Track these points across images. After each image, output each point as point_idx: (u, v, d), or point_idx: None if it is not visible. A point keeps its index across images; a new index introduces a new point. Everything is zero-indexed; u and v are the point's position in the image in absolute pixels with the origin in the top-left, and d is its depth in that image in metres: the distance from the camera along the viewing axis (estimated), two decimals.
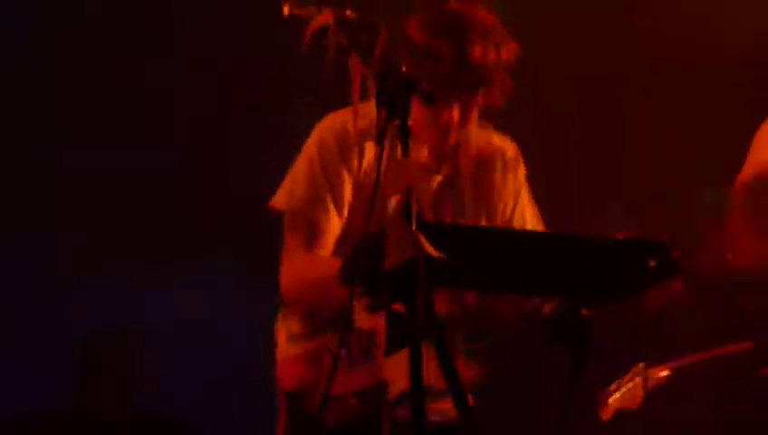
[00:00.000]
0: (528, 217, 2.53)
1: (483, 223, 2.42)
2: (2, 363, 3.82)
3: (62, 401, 3.88)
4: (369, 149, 2.31)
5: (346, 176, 2.34)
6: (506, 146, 2.53)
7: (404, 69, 1.86)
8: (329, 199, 2.33)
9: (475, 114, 2.36)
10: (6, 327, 3.80)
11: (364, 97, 1.86)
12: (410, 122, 1.82)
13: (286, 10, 1.94)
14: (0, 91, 3.86)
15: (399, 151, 1.84)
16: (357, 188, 2.35)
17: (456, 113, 2.29)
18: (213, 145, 3.85)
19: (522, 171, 2.54)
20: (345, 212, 2.34)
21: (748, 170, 2.76)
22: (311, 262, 2.31)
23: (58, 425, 3.84)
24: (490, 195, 2.48)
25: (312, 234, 2.32)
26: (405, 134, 1.84)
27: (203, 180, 3.89)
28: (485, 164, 2.48)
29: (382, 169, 1.82)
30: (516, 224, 2.48)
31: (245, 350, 3.69)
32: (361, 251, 1.93)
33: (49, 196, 3.82)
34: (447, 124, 2.32)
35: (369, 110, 1.87)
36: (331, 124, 2.40)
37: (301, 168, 2.39)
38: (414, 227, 1.77)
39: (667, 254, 1.92)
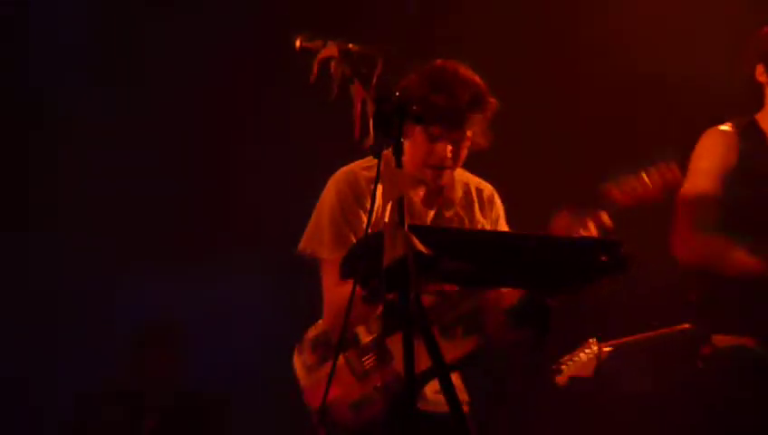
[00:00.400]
0: None
1: None
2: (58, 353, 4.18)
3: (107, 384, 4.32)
4: (378, 195, 2.68)
5: (363, 216, 2.72)
6: (483, 186, 2.95)
7: (397, 94, 2.21)
8: (352, 238, 2.70)
9: (464, 154, 2.75)
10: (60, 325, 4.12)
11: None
12: (408, 166, 2.17)
13: (298, 43, 2.26)
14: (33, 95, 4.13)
15: (394, 164, 2.19)
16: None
17: (449, 150, 2.68)
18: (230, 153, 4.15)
19: (498, 206, 2.96)
20: None
21: (687, 184, 3.07)
22: (342, 291, 2.59)
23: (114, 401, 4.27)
24: (473, 227, 2.87)
25: None
26: (398, 150, 2.18)
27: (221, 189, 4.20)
28: (468, 201, 2.90)
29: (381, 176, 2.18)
30: None
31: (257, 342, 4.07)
32: (359, 249, 2.28)
33: (83, 205, 4.12)
34: (442, 161, 2.70)
35: (375, 162, 2.21)
36: (344, 177, 2.79)
37: (324, 217, 2.77)
38: (406, 228, 2.11)
39: (616, 251, 2.29)
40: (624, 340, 3.60)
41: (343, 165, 2.84)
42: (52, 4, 4.14)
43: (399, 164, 2.19)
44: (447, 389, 2.22)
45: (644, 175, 2.73)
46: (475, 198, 2.91)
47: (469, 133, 2.73)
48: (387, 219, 2.21)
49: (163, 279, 4.12)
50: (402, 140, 2.19)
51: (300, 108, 3.46)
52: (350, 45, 2.24)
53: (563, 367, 3.53)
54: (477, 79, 2.74)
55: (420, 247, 2.10)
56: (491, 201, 2.94)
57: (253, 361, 4.17)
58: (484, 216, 2.90)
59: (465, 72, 2.74)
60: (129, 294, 4.19)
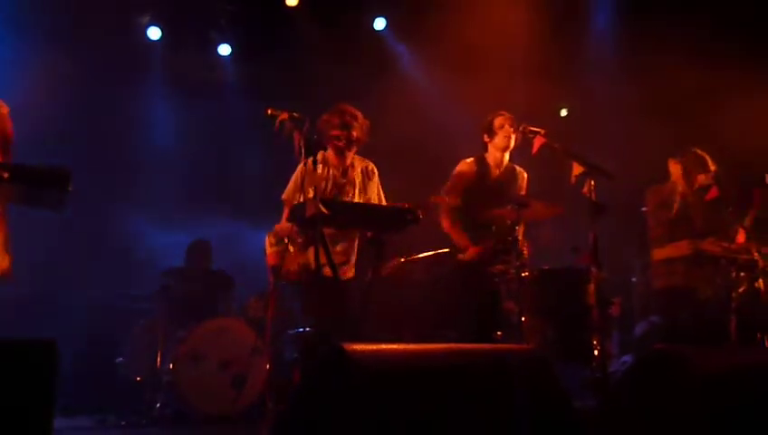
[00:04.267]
0: (376, 198, 5.53)
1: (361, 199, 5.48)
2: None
3: None
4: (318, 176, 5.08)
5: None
6: (369, 164, 5.54)
7: (316, 137, 4.75)
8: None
9: (353, 145, 5.38)
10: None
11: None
12: (326, 158, 5.02)
13: (268, 111, 4.75)
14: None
15: (312, 169, 4.74)
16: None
17: (352, 156, 5.35)
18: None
19: (376, 176, 5.52)
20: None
21: (446, 194, 5.82)
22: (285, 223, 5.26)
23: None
24: (365, 187, 5.46)
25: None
26: (315, 162, 4.74)
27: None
28: (363, 174, 5.48)
29: (307, 177, 4.75)
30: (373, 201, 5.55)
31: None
32: (298, 208, 4.82)
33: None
34: (345, 158, 5.35)
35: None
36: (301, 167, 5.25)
37: (293, 179, 5.32)
38: (318, 200, 4.64)
39: (415, 213, 4.87)
40: (415, 256, 6.32)
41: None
42: None
43: (315, 169, 4.76)
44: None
45: None
46: (364, 171, 5.50)
47: (354, 133, 5.32)
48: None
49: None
50: (317, 159, 4.77)
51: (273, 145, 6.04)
52: (294, 113, 4.75)
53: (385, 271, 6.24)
54: (360, 114, 5.37)
55: (323, 209, 4.66)
56: (372, 174, 5.52)
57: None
58: (369, 180, 5.49)
59: (354, 110, 5.37)
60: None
